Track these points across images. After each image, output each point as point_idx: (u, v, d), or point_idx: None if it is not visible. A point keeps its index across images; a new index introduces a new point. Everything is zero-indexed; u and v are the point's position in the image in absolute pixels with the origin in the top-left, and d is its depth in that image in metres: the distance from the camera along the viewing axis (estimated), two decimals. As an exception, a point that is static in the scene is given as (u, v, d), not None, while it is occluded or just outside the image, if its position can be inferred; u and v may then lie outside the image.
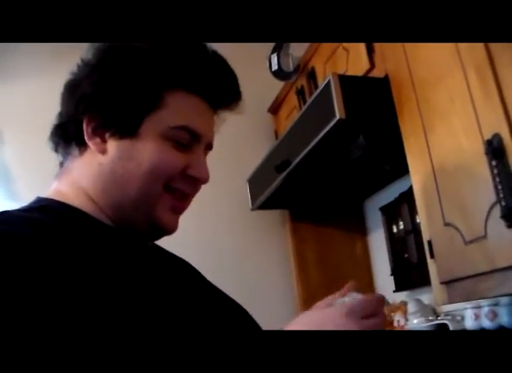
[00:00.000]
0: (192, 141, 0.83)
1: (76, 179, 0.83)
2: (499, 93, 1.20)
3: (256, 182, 2.50)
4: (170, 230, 0.85)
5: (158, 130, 0.80)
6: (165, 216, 0.83)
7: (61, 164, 0.87)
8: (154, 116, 0.80)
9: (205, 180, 0.86)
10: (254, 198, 2.55)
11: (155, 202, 0.81)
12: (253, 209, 2.62)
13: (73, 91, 0.82)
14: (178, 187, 0.83)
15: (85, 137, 0.81)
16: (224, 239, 2.76)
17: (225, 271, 2.61)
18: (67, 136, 0.84)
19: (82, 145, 0.82)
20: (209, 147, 0.90)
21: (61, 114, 0.85)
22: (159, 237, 0.88)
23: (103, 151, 0.81)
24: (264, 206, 2.58)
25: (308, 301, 2.53)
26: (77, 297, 0.62)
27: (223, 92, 0.86)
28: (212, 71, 0.84)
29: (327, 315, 0.72)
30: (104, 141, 0.81)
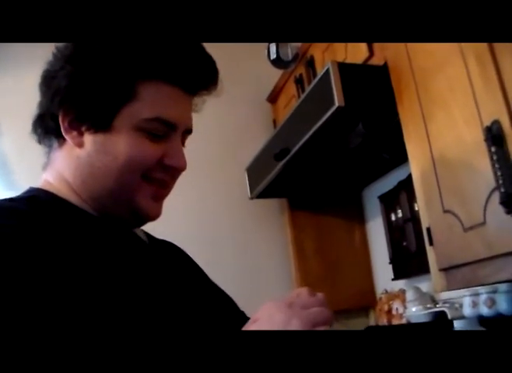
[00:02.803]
0: (168, 131, 0.83)
1: (59, 171, 0.84)
2: (500, 81, 1.20)
3: (254, 171, 2.50)
4: (152, 217, 0.86)
5: (132, 122, 0.79)
6: (145, 204, 0.83)
7: (47, 154, 0.88)
8: (127, 108, 0.79)
9: (182, 168, 0.85)
10: (252, 187, 2.55)
11: (133, 192, 0.82)
12: (251, 198, 2.62)
13: (48, 83, 0.82)
14: (156, 177, 0.83)
15: (62, 131, 0.81)
16: (222, 228, 2.76)
17: (223, 260, 2.62)
18: (46, 128, 0.85)
19: (61, 137, 0.83)
20: (188, 131, 0.89)
21: (41, 104, 0.85)
22: (142, 223, 0.89)
23: (80, 145, 0.81)
24: (262, 195, 2.58)
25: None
26: (51, 287, 0.63)
27: (197, 77, 0.84)
28: (184, 58, 0.81)
29: (270, 313, 0.68)
30: (81, 134, 0.81)
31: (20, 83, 2.58)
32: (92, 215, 0.82)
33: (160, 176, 0.84)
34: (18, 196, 0.80)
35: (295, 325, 0.64)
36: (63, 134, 0.81)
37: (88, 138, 0.81)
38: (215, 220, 2.76)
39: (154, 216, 0.86)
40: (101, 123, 0.79)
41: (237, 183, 2.67)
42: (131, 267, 0.77)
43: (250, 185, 2.57)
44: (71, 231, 0.74)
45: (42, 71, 0.84)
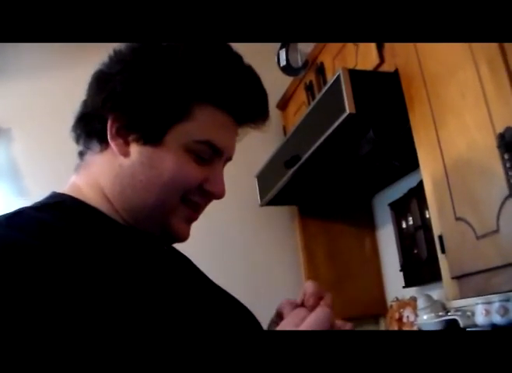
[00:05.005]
0: (213, 156, 0.83)
1: (95, 176, 0.83)
2: (512, 86, 1.20)
3: (265, 178, 2.50)
4: (182, 239, 0.86)
5: (182, 141, 0.79)
6: (178, 226, 0.83)
7: (81, 154, 0.86)
8: (180, 127, 0.79)
9: (220, 196, 0.85)
10: (262, 194, 2.55)
11: (170, 212, 0.81)
12: (262, 205, 2.61)
13: (102, 85, 0.80)
14: (193, 199, 0.83)
15: (108, 137, 0.79)
16: (233, 235, 2.76)
17: (234, 267, 2.61)
18: (89, 130, 0.83)
19: (104, 142, 0.81)
20: (228, 160, 0.89)
21: (85, 103, 0.83)
22: (170, 243, 0.88)
23: (125, 154, 0.80)
24: (272, 202, 2.58)
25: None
26: (73, 306, 0.62)
27: (251, 109, 0.85)
28: (244, 90, 0.82)
29: None
30: (127, 144, 0.80)
31: (31, 90, 2.61)
32: (121, 225, 0.81)
33: (197, 199, 0.83)
34: (43, 203, 0.79)
35: None
36: (109, 139, 0.80)
37: (134, 148, 0.79)
38: (225, 227, 2.75)
39: (183, 239, 0.86)
40: (153, 137, 0.78)
41: (247, 190, 2.66)
42: (156, 282, 0.75)
43: (260, 192, 2.57)
44: (100, 241, 0.73)
45: (94, 71, 0.82)
